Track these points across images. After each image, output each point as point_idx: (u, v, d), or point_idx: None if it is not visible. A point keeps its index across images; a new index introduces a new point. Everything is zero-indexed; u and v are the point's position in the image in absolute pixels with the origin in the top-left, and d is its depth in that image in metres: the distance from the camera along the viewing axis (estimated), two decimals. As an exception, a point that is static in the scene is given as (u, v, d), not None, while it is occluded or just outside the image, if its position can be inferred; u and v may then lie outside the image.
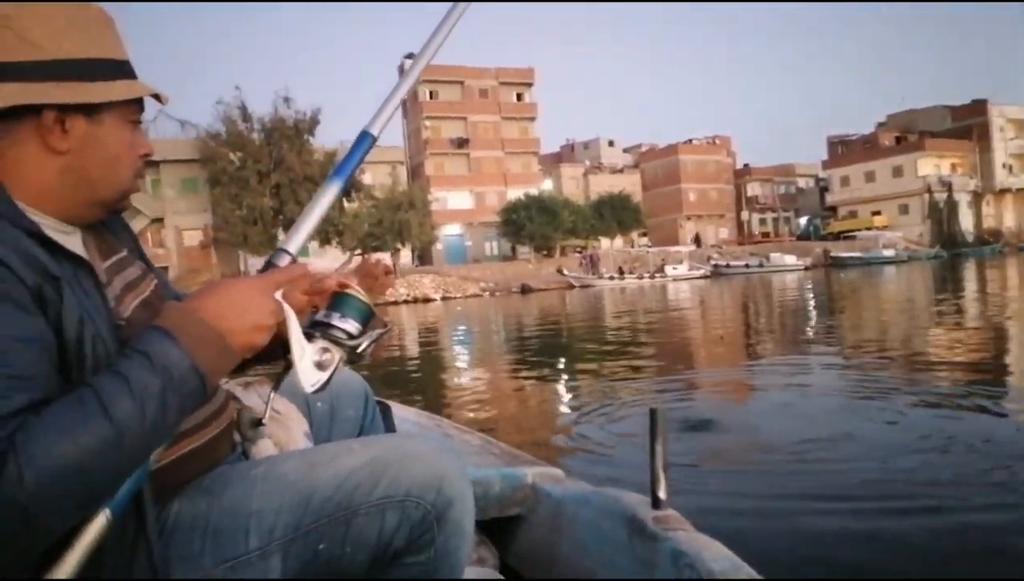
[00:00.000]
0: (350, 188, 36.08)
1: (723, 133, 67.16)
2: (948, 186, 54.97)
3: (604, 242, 49.54)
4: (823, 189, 64.09)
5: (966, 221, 55.61)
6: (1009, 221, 58.61)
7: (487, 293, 33.76)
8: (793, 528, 2.75)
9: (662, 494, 1.33)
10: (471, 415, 5.65)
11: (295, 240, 0.92)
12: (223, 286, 0.81)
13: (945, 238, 52.42)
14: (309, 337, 0.92)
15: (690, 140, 63.49)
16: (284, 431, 1.20)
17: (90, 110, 0.84)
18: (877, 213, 57.09)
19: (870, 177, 58.86)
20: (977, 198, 57.73)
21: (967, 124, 59.08)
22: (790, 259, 42.49)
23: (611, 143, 67.76)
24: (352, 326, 0.93)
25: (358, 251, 35.70)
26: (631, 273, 39.71)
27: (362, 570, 0.91)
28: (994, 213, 58.84)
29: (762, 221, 64.46)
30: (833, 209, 61.80)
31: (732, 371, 7.41)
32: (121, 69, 0.88)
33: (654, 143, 67.51)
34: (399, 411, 2.29)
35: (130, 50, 0.92)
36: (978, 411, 4.49)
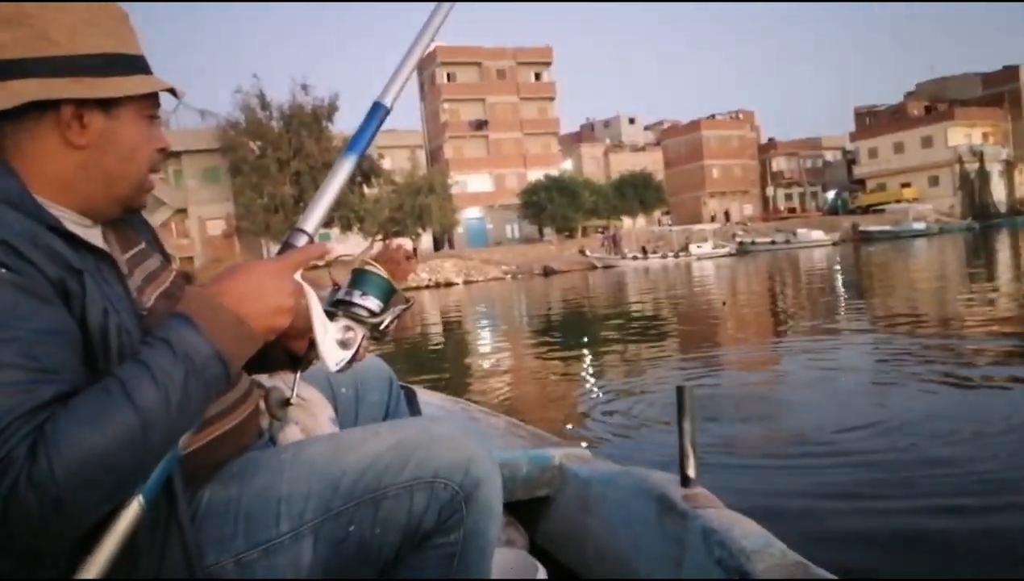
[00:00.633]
0: (370, 173, 36.37)
1: (746, 107, 66.15)
2: (979, 155, 53.67)
3: (626, 222, 49.13)
4: (850, 162, 62.91)
5: (998, 191, 54.31)
6: (1043, 190, 57.10)
7: (509, 276, 33.68)
8: (825, 511, 2.67)
9: (691, 472, 1.31)
10: (497, 398, 5.65)
11: (311, 219, 0.92)
12: (242, 270, 0.82)
13: (977, 209, 51.34)
14: (331, 316, 0.92)
15: (713, 115, 62.62)
16: (310, 417, 1.21)
17: (107, 105, 0.85)
18: (907, 185, 55.95)
19: (899, 148, 57.64)
20: (1009, 167, 56.27)
21: (999, 91, 57.54)
22: (817, 234, 41.81)
23: (632, 121, 67.03)
24: (373, 303, 0.94)
25: (379, 237, 35.77)
26: (654, 252, 39.34)
27: (393, 551, 0.92)
28: (1028, 182, 57.33)
29: (788, 196, 63.49)
30: (861, 182, 60.68)
31: (759, 350, 7.29)
32: (137, 64, 0.89)
33: (676, 120, 66.71)
34: (425, 396, 2.27)
35: (147, 41, 0.94)
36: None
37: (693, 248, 39.11)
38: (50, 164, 0.84)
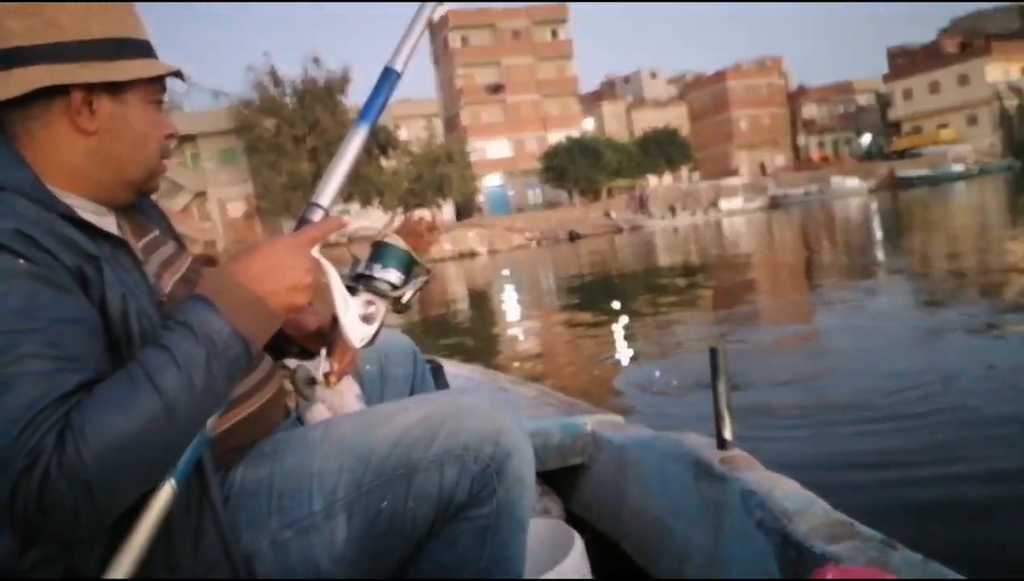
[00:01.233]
0: (387, 145, 35.87)
1: (773, 54, 63.87)
2: (1018, 91, 51.45)
3: (652, 180, 48.04)
4: (885, 105, 60.67)
5: (1040, 126, 51.99)
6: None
7: (534, 243, 33.15)
8: (868, 475, 2.56)
9: (727, 435, 1.29)
10: (526, 367, 5.63)
11: (326, 193, 0.92)
12: (259, 248, 0.84)
13: (1017, 147, 49.27)
14: (352, 291, 0.92)
15: (738, 64, 60.61)
16: (336, 396, 1.18)
17: (115, 89, 0.87)
18: (943, 126, 53.84)
19: (934, 88, 55.33)
20: (1052, 102, 53.76)
21: (1040, 21, 54.69)
22: (852, 183, 40.56)
23: (653, 75, 65.29)
24: (394, 276, 0.94)
25: (400, 209, 35.39)
26: (683, 210, 38.39)
27: (426, 525, 0.92)
28: (1071, 116, 54.78)
29: (820, 144, 61.48)
30: (896, 125, 58.55)
31: (795, 308, 7.09)
32: (143, 48, 0.90)
33: (700, 71, 64.75)
34: (452, 368, 2.22)
35: (155, 24, 0.95)
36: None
37: (723, 204, 38.14)
38: (61, 152, 0.85)
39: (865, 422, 3.07)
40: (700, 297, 9.01)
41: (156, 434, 0.70)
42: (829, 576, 0.71)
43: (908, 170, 43.71)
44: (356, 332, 0.90)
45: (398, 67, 0.97)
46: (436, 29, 49.61)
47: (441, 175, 36.26)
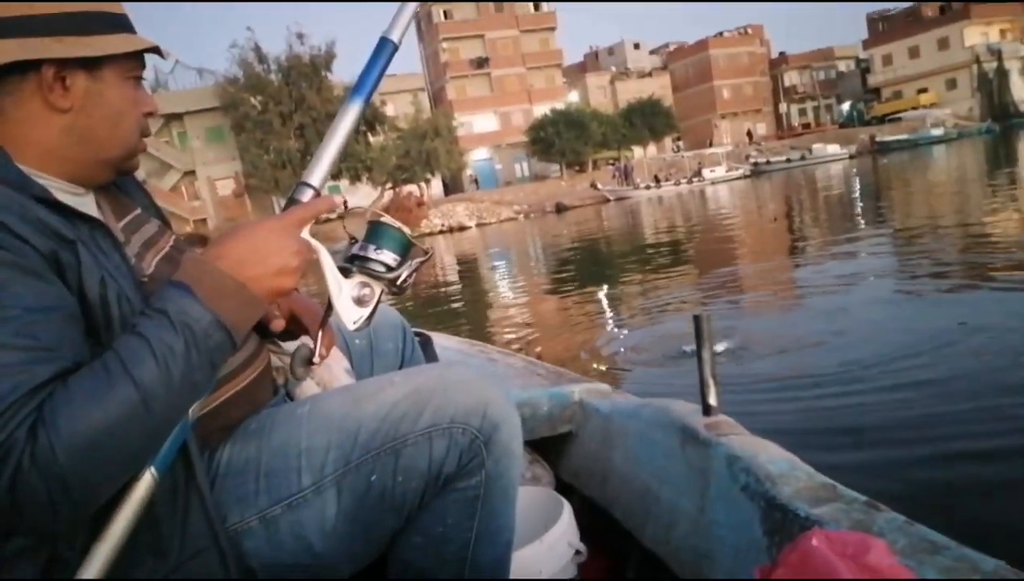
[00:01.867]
0: (374, 121, 35.84)
1: (755, 22, 63.65)
2: (997, 54, 51.44)
3: (637, 151, 48.24)
4: (864, 71, 60.73)
5: (1018, 90, 52.21)
6: (1066, 85, 54.99)
7: (522, 216, 33.43)
8: (852, 439, 2.67)
9: (712, 400, 1.28)
10: (515, 338, 5.71)
11: (317, 171, 0.88)
12: (242, 231, 0.79)
13: (996, 110, 49.55)
14: (345, 273, 0.89)
15: (720, 33, 60.42)
16: (326, 370, 1.20)
17: (90, 65, 0.82)
18: (923, 91, 54.10)
19: (914, 53, 55.50)
20: (1030, 64, 54.14)
21: (1018, -16, 54.81)
22: (833, 149, 40.81)
23: (636, 46, 64.94)
24: (389, 257, 0.90)
25: (388, 185, 35.53)
26: (667, 180, 38.76)
27: (416, 497, 0.91)
28: (1049, 78, 55.21)
29: (802, 111, 61.66)
30: (876, 91, 58.72)
31: (778, 274, 7.22)
32: (119, 22, 0.86)
33: (682, 41, 64.54)
34: (441, 340, 2.26)
35: (136, 4, 0.91)
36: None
37: (706, 173, 38.45)
38: (35, 130, 0.81)
39: (850, 389, 3.16)
40: (684, 264, 9.23)
41: (132, 426, 0.68)
42: (814, 540, 0.70)
43: (888, 135, 43.80)
44: (350, 315, 0.88)
45: (394, 37, 0.92)
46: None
47: (428, 150, 36.28)
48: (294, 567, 0.91)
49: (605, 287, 8.00)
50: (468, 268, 14.17)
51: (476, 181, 44.68)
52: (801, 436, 2.67)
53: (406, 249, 0.92)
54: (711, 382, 1.27)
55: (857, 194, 16.13)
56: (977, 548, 0.78)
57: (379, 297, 0.91)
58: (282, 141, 35.33)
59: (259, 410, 0.99)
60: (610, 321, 5.98)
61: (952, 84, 53.46)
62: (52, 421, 0.64)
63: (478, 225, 31.48)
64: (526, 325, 6.49)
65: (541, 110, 45.79)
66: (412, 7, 0.95)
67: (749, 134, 53.94)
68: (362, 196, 33.32)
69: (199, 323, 0.72)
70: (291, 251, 0.79)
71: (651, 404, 1.47)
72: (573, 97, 51.27)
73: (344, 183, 34.75)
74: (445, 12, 49.67)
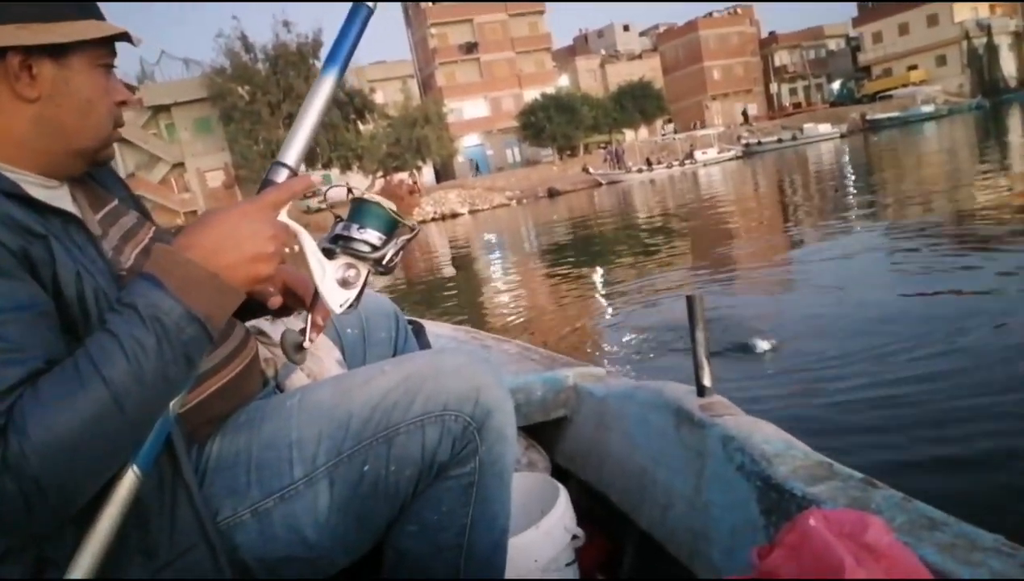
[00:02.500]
0: (363, 109, 35.62)
1: (744, 2, 63.29)
2: (987, 29, 51.51)
3: (628, 134, 48.13)
4: (855, 49, 60.62)
5: (1008, 65, 52.35)
6: (1055, 59, 55.04)
7: (514, 201, 33.39)
8: (846, 421, 2.67)
9: (707, 381, 1.27)
10: (510, 324, 5.70)
11: (293, 150, 0.84)
12: (213, 217, 0.76)
13: (986, 86, 49.65)
14: (329, 254, 0.87)
15: (710, 13, 60.19)
16: (315, 362, 1.18)
17: (57, 52, 0.80)
18: (913, 68, 54.09)
19: (903, 30, 55.39)
20: (1018, 39, 53.99)
21: (1007, -42, 54.65)
22: (824, 128, 40.88)
23: (626, 28, 64.61)
24: (374, 236, 0.87)
25: (380, 174, 35.38)
26: (659, 163, 38.74)
27: (410, 486, 0.91)
28: (1038, 53, 55.22)
29: (792, 91, 61.60)
30: (867, 69, 58.67)
31: (771, 255, 7.24)
32: (87, 9, 0.83)
33: (672, 22, 64.25)
34: (434, 328, 2.25)
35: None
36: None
37: (698, 155, 38.46)
38: (4, 122, 0.79)
39: (833, 365, 3.17)
40: (677, 246, 9.25)
41: (106, 426, 0.66)
42: (811, 520, 0.70)
43: (879, 113, 43.93)
44: (335, 297, 0.86)
45: (369, 1, 0.87)
46: (406, -13, 48.86)
47: (419, 137, 36.12)
48: (288, 559, 0.90)
49: (599, 271, 8.03)
50: (462, 255, 14.17)
51: (476, 166, 44.58)
52: (803, 420, 2.68)
53: (391, 227, 0.90)
54: (705, 363, 1.26)
55: (849, 172, 16.15)
56: (976, 524, 0.77)
57: (365, 278, 0.88)
58: (271, 131, 35.06)
59: (248, 403, 0.98)
60: (604, 304, 5.99)
61: (942, 60, 53.45)
62: (22, 424, 0.63)
63: (471, 212, 31.41)
64: (520, 310, 6.49)
65: (531, 95, 45.60)
66: None
67: (744, 114, 53.88)
68: (353, 185, 32.94)
69: (170, 316, 0.70)
70: (266, 236, 0.76)
71: (645, 386, 1.46)
72: (563, 81, 51.04)
73: (335, 172, 34.61)
74: (432, -4, 49.29)
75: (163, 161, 37.45)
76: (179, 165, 38.50)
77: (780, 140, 40.22)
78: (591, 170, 37.30)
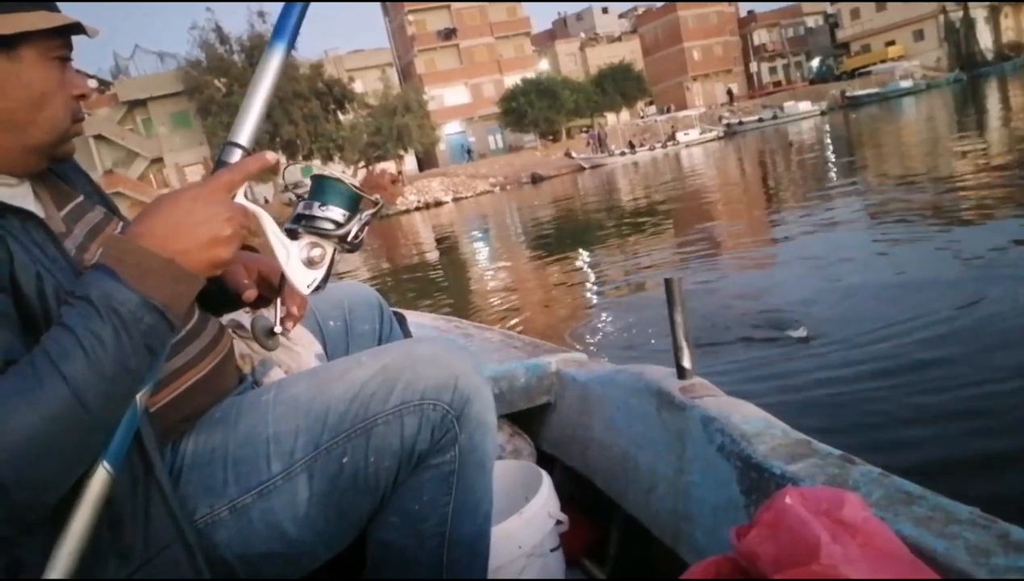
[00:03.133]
0: (343, 99, 35.31)
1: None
2: (963, 3, 51.81)
3: (610, 118, 48.07)
4: (833, 26, 60.79)
5: (984, 38, 52.68)
6: (1030, 31, 55.47)
7: (498, 188, 33.28)
8: (829, 400, 2.69)
9: (687, 363, 1.27)
10: (495, 313, 5.72)
11: (245, 128, 0.83)
12: (165, 202, 0.74)
13: (964, 59, 50.00)
14: (293, 235, 0.86)
15: (688, -8, 60.02)
16: (294, 357, 1.16)
17: (4, 45, 0.77)
18: (891, 43, 54.35)
19: (881, 6, 55.57)
20: (994, 12, 54.31)
21: (982, -70, 54.88)
22: (804, 105, 41.01)
23: (605, 10, 64.49)
24: (337, 213, 0.86)
25: (361, 164, 35.15)
26: (642, 145, 38.73)
27: (391, 477, 0.90)
28: (1014, 25, 55.39)
29: (772, 70, 61.66)
30: (845, 46, 58.88)
31: (753, 236, 7.27)
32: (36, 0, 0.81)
33: (651, 3, 64.02)
34: (416, 318, 2.25)
35: None
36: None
37: (680, 136, 38.50)
38: None
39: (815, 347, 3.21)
40: (661, 228, 9.27)
41: (68, 423, 0.64)
42: (788, 498, 0.71)
43: (858, 89, 44.21)
44: (302, 278, 0.85)
45: None
46: (382, -26, 48.35)
47: (400, 126, 35.89)
48: (269, 555, 0.89)
49: (583, 255, 8.04)
50: (446, 243, 14.15)
51: (469, 151, 44.37)
52: (785, 399, 2.71)
53: (354, 203, 0.88)
54: (685, 345, 1.26)
55: (830, 149, 16.24)
56: (953, 497, 0.78)
57: (332, 256, 0.87)
58: (250, 124, 34.70)
59: (223, 399, 0.96)
60: (588, 289, 5.99)
61: (919, 35, 53.72)
62: None
63: (454, 199, 31.29)
64: (504, 298, 6.49)
65: (512, 80, 45.37)
66: None
67: (730, 93, 53.95)
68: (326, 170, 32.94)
69: (126, 306, 0.68)
70: (222, 219, 0.74)
71: (627, 371, 1.46)
72: (543, 66, 50.83)
73: (316, 163, 34.35)
74: (409, -17, 48.81)
75: (141, 157, 37.01)
76: (158, 160, 38.08)
77: (761, 119, 40.32)
78: (574, 154, 37.24)
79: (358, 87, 37.37)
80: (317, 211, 0.86)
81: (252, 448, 0.88)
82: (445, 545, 0.95)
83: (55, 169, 0.91)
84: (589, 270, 7.04)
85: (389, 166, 35.64)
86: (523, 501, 1.24)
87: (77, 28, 0.83)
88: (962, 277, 3.81)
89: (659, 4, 60.63)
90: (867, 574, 0.62)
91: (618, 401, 1.43)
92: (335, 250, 0.88)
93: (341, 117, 35.82)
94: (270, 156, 0.82)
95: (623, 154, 36.70)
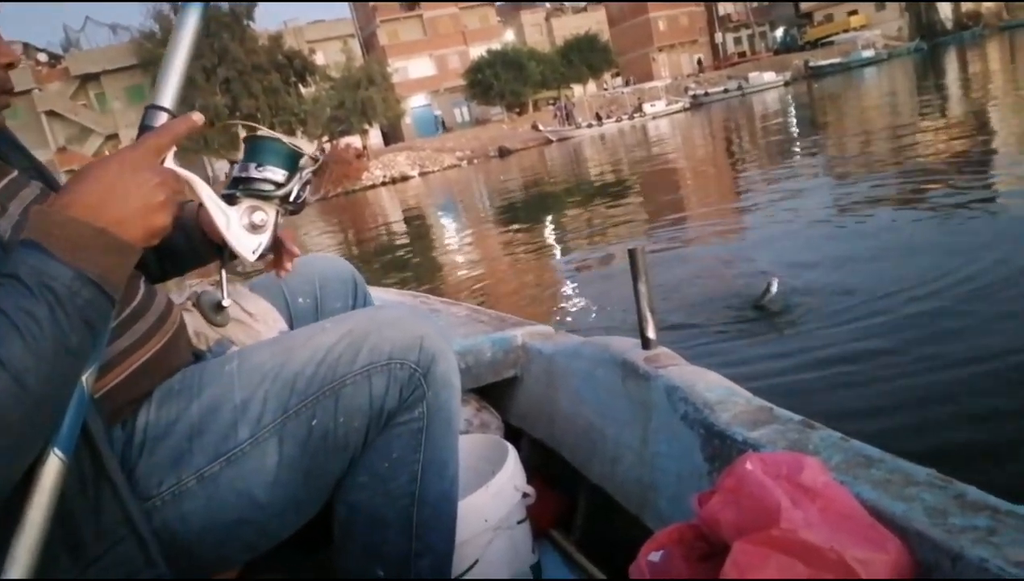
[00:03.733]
0: (304, 71, 34.51)
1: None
2: (924, -28, 52.42)
3: (577, 89, 47.84)
4: (796, -5, 61.12)
5: (944, 8, 53.50)
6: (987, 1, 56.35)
7: (465, 162, 33.03)
8: (792, 367, 2.74)
9: (651, 334, 1.27)
10: (463, 288, 5.69)
11: (166, 91, 0.80)
12: (91, 171, 0.70)
13: (925, 29, 50.72)
14: (231, 200, 0.83)
15: (653, -38, 59.64)
16: (252, 335, 1.11)
17: None
18: (853, 13, 54.83)
19: (843, -25, 55.97)
20: (955, -20, 55.20)
21: (942, -102, 55.31)
22: (769, 76, 41.28)
23: (570, -20, 63.76)
24: (275, 173, 0.83)
25: (325, 138, 34.53)
26: (609, 117, 38.67)
27: (360, 437, 0.90)
28: (972, -6, 56.47)
29: (737, 40, 61.86)
30: (809, 16, 59.29)
31: (718, 207, 7.33)
32: None
33: (615, -27, 63.47)
34: (381, 294, 2.23)
35: None
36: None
37: (647, 108, 38.49)
38: None
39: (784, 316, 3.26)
40: (627, 199, 9.30)
41: (9, 408, 0.60)
42: (748, 464, 0.72)
43: (820, 60, 44.64)
44: (245, 244, 0.81)
45: None
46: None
47: (364, 99, 35.27)
48: (239, 523, 0.88)
49: (550, 228, 8.07)
50: (413, 218, 14.05)
51: (443, 123, 43.85)
52: (743, 367, 2.75)
53: (293, 161, 0.84)
54: (648, 315, 1.25)
55: (793, 120, 16.40)
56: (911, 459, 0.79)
57: (275, 219, 0.84)
58: (208, 97, 33.75)
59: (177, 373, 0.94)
60: (556, 262, 6.03)
61: (881, 5, 54.22)
62: None
63: (421, 174, 30.98)
64: (472, 272, 6.49)
65: (477, 52, 44.82)
66: None
67: (699, 62, 53.99)
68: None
69: (58, 281, 0.64)
70: (152, 185, 0.70)
71: (592, 342, 1.45)
72: (509, 36, 50.25)
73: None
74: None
75: (96, 133, 35.93)
76: (113, 137, 36.95)
77: (727, 90, 40.52)
78: (541, 127, 37.06)
79: (319, 59, 36.62)
80: (254, 172, 0.83)
81: (219, 416, 0.87)
82: (415, 504, 0.95)
83: None
84: (556, 243, 7.07)
85: (354, 140, 35.05)
86: (490, 475, 1.24)
87: None
88: (924, 243, 3.91)
89: (624, -27, 60.21)
90: (827, 537, 0.63)
91: (583, 373, 1.42)
92: (278, 213, 0.85)
93: (303, 90, 35.07)
94: (196, 116, 0.77)
95: (590, 126, 36.62)
